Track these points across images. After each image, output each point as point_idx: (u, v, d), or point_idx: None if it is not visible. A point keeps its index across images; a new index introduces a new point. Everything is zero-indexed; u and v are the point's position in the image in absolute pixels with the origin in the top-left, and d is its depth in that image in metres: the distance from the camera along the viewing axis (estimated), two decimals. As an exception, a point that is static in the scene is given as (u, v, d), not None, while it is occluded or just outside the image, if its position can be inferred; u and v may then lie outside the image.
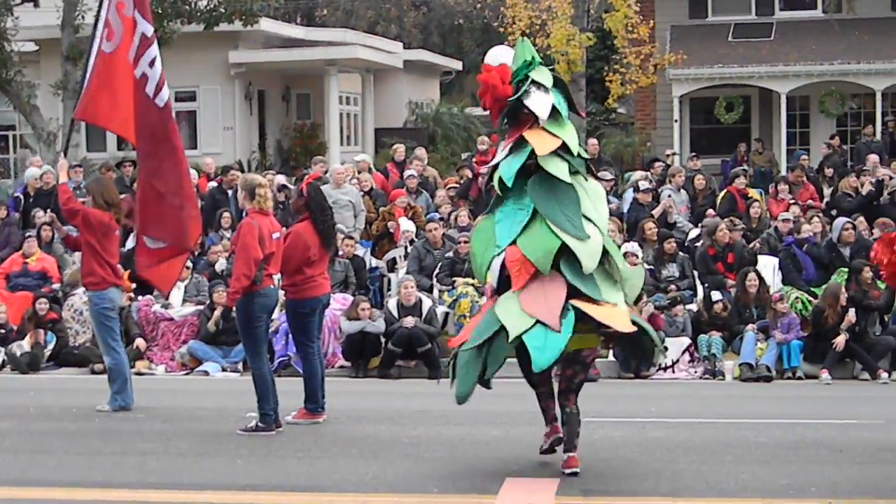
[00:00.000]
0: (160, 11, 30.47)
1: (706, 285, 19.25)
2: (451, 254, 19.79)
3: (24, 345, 18.44)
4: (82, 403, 14.06)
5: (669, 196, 22.22)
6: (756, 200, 22.58)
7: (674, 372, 17.92)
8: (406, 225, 21.23)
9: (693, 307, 18.91)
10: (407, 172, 23.76)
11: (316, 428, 12.85)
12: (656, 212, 21.53)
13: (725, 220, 20.42)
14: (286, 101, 39.98)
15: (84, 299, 18.85)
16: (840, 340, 17.54)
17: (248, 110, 36.86)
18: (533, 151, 10.61)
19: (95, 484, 10.32)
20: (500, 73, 10.87)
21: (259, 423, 12.57)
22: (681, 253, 19.92)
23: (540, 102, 10.76)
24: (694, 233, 21.46)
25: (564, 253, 10.36)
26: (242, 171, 30.16)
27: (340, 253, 19.62)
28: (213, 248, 20.43)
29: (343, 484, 10.25)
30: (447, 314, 19.01)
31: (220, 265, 19.94)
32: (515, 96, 10.75)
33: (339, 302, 18.68)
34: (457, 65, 48.21)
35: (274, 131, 38.75)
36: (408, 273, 19.66)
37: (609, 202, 22.15)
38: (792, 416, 14.17)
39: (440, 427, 13.16)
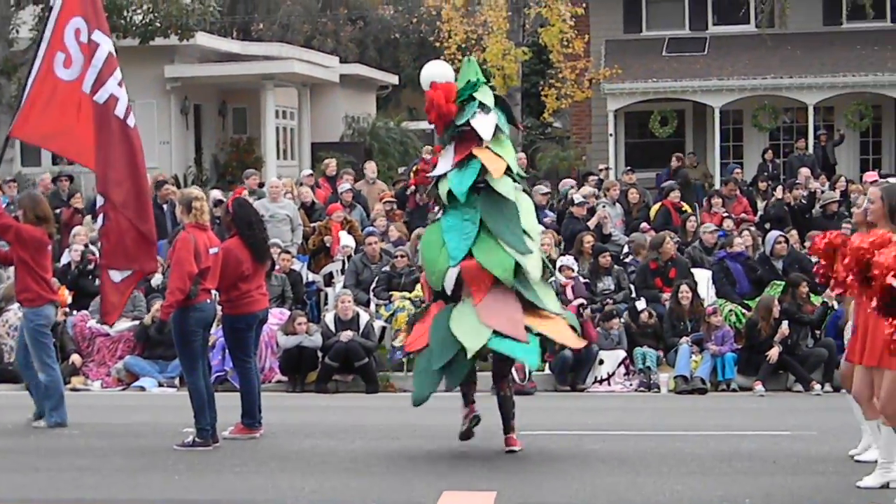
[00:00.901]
0: (95, 25, 30.31)
1: (642, 299, 19.35)
2: (388, 268, 19.83)
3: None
4: (16, 419, 13.96)
5: (604, 207, 22.35)
6: (692, 214, 22.78)
7: (609, 385, 18.04)
8: (345, 240, 21.23)
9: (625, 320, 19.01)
10: (342, 186, 23.74)
11: (253, 443, 12.83)
12: (591, 223, 21.67)
13: (663, 232, 20.54)
14: (222, 116, 39.90)
15: (19, 315, 18.74)
16: (774, 353, 17.71)
17: (185, 125, 36.76)
18: (483, 169, 11.64)
19: (31, 501, 10.27)
20: (445, 92, 11.81)
21: (196, 438, 12.53)
22: (616, 266, 20.03)
23: (484, 124, 11.77)
24: (627, 248, 21.55)
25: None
26: (178, 186, 30.11)
27: (277, 267, 19.59)
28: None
29: (281, 498, 10.25)
30: (384, 328, 19.05)
31: (156, 280, 19.83)
32: (464, 119, 11.74)
33: (276, 317, 18.65)
34: (393, 79, 48.27)
35: (210, 146, 38.65)
36: (345, 287, 19.67)
37: (545, 215, 22.52)
38: (726, 427, 14.28)
39: (377, 441, 13.18)
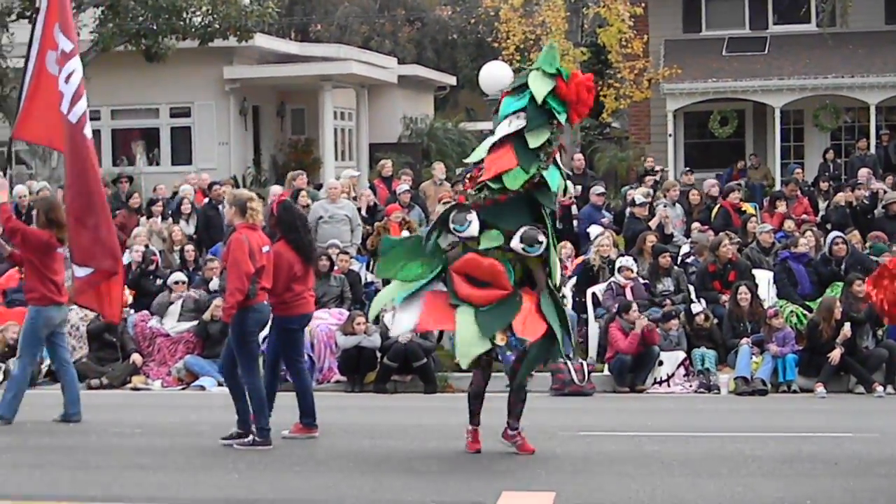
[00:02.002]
0: (155, 28, 30.60)
1: (699, 301, 19.23)
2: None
3: (11, 365, 18.41)
4: (82, 418, 14.07)
5: (665, 206, 22.24)
6: (753, 215, 22.63)
7: (669, 386, 17.95)
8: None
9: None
10: (400, 187, 23.77)
11: (312, 442, 12.87)
12: (653, 223, 21.59)
13: (721, 234, 20.43)
14: (281, 117, 40.06)
15: (80, 315, 18.93)
16: (836, 354, 17.56)
17: (243, 126, 36.94)
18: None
19: (93, 499, 10.34)
20: None
21: (256, 438, 12.58)
22: (676, 267, 19.94)
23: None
24: (685, 248, 21.45)
25: None
26: (237, 187, 30.24)
27: (336, 268, 19.65)
28: (210, 265, 20.38)
29: (341, 498, 10.28)
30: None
31: (214, 284, 19.90)
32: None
33: (335, 317, 18.72)
34: (451, 80, 48.29)
35: (269, 146, 38.82)
36: (403, 288, 19.64)
37: (602, 216, 22.47)
38: (787, 429, 14.18)
39: (436, 441, 13.17)
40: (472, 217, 11.41)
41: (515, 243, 11.41)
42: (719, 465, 11.74)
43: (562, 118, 11.87)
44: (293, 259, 12.86)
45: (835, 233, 20.46)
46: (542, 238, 11.38)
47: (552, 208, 11.83)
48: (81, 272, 13.98)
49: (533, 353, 11.60)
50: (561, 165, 11.96)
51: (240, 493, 10.53)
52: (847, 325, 17.68)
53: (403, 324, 11.79)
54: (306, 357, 17.99)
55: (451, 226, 11.48)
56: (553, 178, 11.63)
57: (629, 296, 18.66)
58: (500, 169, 11.56)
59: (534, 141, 11.63)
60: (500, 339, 11.32)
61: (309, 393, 13.24)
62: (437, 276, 11.58)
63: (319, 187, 24.09)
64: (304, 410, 13.22)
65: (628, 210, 22.65)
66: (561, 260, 19.67)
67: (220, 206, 23.13)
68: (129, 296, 19.68)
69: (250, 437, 12.63)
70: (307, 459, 11.96)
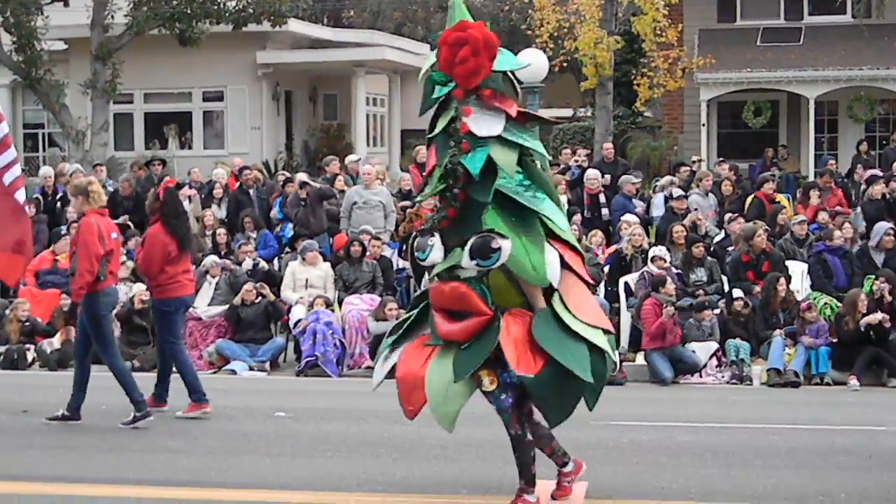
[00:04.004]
0: (189, 12, 30.66)
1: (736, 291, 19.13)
2: (478, 255, 19.71)
3: (55, 342, 18.50)
4: (111, 401, 14.07)
5: (696, 210, 22.09)
6: (784, 206, 22.51)
7: (701, 376, 17.86)
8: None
9: (718, 312, 18.82)
10: (434, 174, 23.69)
11: (344, 427, 12.88)
12: (686, 220, 21.46)
13: (755, 223, 20.30)
14: (313, 102, 40.10)
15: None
16: (874, 318, 17.39)
17: (276, 111, 36.99)
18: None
19: (125, 481, 10.36)
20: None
21: (136, 414, 12.93)
22: (709, 257, 19.84)
23: (530, 75, 9.49)
24: (719, 237, 21.37)
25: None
26: (269, 172, 30.30)
27: (368, 254, 19.66)
28: (243, 247, 20.41)
29: (372, 484, 10.27)
30: (473, 314, 18.93)
31: (247, 265, 19.95)
32: (506, 67, 9.11)
33: (367, 303, 18.71)
34: (484, 67, 48.14)
35: (301, 132, 38.87)
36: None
37: (634, 206, 22.38)
38: (821, 421, 14.11)
39: (468, 428, 13.06)
40: (434, 241, 9.05)
41: (466, 261, 8.91)
42: (752, 456, 11.69)
43: (445, 90, 9.08)
44: (167, 241, 13.34)
45: (885, 224, 20.23)
46: (497, 244, 8.79)
47: (516, 198, 9.06)
48: None
49: (539, 392, 9.05)
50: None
51: (270, 478, 10.53)
52: (879, 314, 17.52)
53: (376, 378, 9.92)
54: (337, 342, 18.05)
55: (416, 255, 9.23)
56: (473, 161, 8.86)
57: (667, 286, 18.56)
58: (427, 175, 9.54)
59: (437, 128, 9.18)
60: (490, 383, 9.12)
61: (188, 372, 13.68)
62: (423, 315, 9.51)
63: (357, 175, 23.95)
64: (190, 389, 13.58)
65: (663, 201, 22.56)
66: (589, 248, 19.74)
67: (250, 191, 23.22)
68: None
69: (132, 415, 12.92)
70: (339, 445, 11.95)
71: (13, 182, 13.68)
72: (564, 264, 9.11)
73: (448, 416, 9.10)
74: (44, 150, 39.24)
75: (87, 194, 12.96)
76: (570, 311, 9.00)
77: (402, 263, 21.11)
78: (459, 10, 9.13)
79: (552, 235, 9.07)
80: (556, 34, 32.12)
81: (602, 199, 22.56)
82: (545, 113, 22.45)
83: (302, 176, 22.95)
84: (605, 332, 9.16)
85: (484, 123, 8.88)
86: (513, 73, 9.21)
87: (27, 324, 18.81)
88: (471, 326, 8.96)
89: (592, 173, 23.09)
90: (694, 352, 17.77)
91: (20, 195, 13.75)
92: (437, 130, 9.08)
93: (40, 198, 23.24)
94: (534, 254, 8.90)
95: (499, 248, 8.79)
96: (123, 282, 19.48)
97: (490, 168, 8.82)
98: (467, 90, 8.92)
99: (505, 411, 9.17)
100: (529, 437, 9.42)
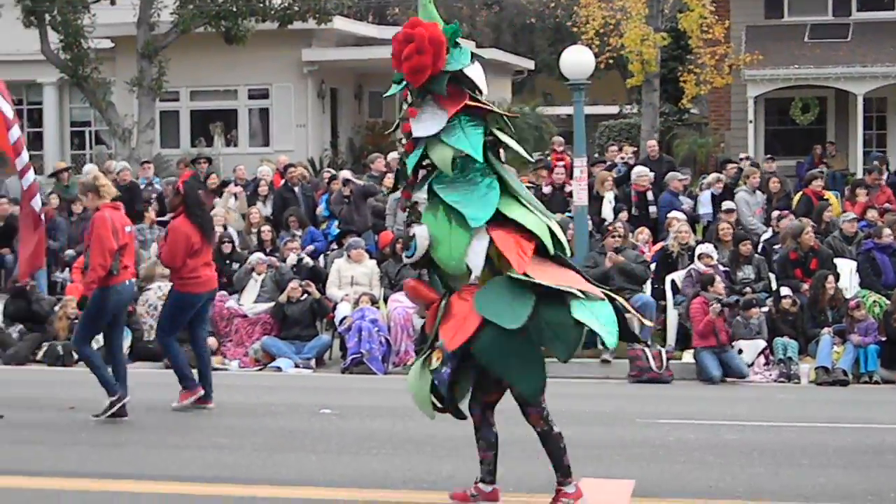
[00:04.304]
0: (234, 9, 30.76)
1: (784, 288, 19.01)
2: (524, 253, 19.66)
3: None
4: (157, 397, 14.13)
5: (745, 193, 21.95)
6: (830, 204, 22.37)
7: (748, 375, 17.74)
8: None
9: (766, 310, 18.70)
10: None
11: (389, 425, 12.84)
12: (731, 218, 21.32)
13: (803, 221, 20.16)
14: (358, 99, 40.12)
15: (159, 294, 19.00)
16: None
17: (321, 108, 37.03)
18: (487, 128, 8.98)
19: (172, 477, 10.37)
20: (437, 32, 8.95)
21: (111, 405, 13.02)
22: (756, 255, 19.72)
23: (480, 76, 9.15)
24: (766, 234, 21.25)
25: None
26: (314, 169, 30.36)
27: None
28: (289, 244, 20.45)
29: (417, 482, 10.24)
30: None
31: (291, 260, 19.99)
32: (457, 67, 8.97)
33: (413, 299, 18.68)
34: (529, 64, 48.12)
35: (346, 129, 38.89)
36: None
37: (682, 203, 22.27)
38: (869, 420, 13.98)
39: (514, 426, 13.00)
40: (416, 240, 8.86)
41: (404, 256, 9.12)
42: (800, 455, 11.59)
43: (397, 89, 9.18)
44: (191, 232, 13.40)
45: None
46: (411, 232, 8.82)
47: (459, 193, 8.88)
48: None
49: (484, 359, 8.84)
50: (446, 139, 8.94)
51: (316, 475, 10.52)
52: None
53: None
54: (382, 340, 18.04)
55: (404, 255, 9.15)
56: (410, 160, 9.03)
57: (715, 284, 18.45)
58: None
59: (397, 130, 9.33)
60: (436, 358, 8.94)
61: (179, 364, 13.74)
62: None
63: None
64: (181, 378, 13.73)
65: (709, 198, 22.46)
66: (636, 245, 19.67)
67: (295, 189, 23.27)
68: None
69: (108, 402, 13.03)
70: (385, 442, 11.92)
71: (30, 187, 13.74)
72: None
73: (422, 400, 9.20)
74: (90, 147, 39.45)
75: (97, 189, 13.00)
76: (528, 276, 8.68)
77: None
78: (424, 10, 9.16)
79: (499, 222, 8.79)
80: (601, 31, 32.05)
81: (650, 196, 22.46)
82: (590, 110, 22.33)
83: (346, 173, 22.98)
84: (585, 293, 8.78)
85: (423, 124, 8.92)
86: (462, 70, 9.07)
87: (76, 321, 18.87)
88: (430, 315, 9.12)
89: (642, 170, 23.00)
90: (741, 351, 17.65)
91: (36, 203, 13.81)
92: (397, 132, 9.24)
93: (87, 195, 23.29)
94: (456, 241, 8.78)
95: (413, 236, 8.82)
96: (167, 278, 19.54)
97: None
98: (415, 90, 8.99)
99: (442, 384, 8.97)
100: (556, 429, 9.33)
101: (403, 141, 9.14)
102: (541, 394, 9.09)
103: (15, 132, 13.66)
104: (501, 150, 9.17)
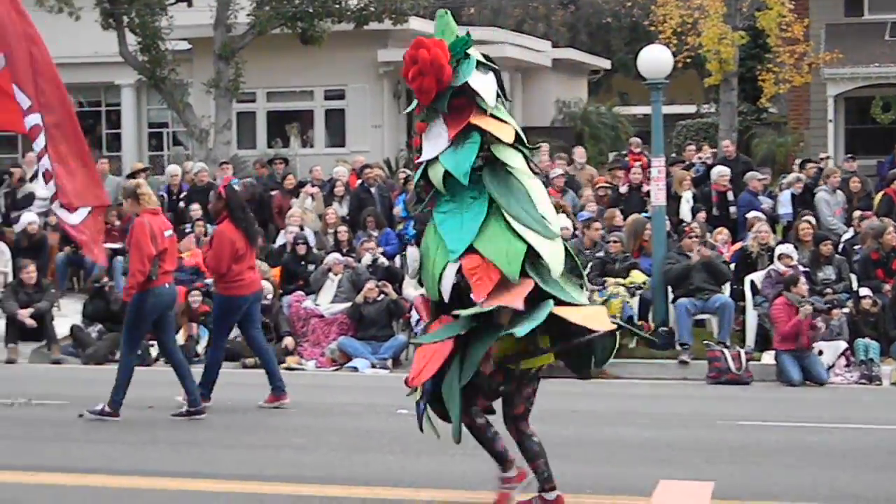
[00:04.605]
0: (311, 11, 30.82)
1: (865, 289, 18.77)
2: (602, 254, 19.60)
3: (179, 338, 18.66)
4: (234, 397, 14.18)
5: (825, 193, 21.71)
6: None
7: (829, 376, 17.54)
8: (564, 222, 21.08)
9: (846, 311, 18.49)
10: (554, 171, 23.66)
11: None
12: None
13: (885, 221, 19.91)
14: (434, 100, 40.06)
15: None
16: None
17: (397, 109, 37.02)
18: (484, 143, 8.83)
19: (249, 477, 10.39)
20: (443, 51, 8.94)
21: (106, 408, 13.07)
22: (837, 255, 19.49)
23: (486, 85, 9.02)
24: (847, 235, 21.01)
25: (528, 256, 8.62)
26: (390, 170, 30.39)
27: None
28: (365, 245, 20.47)
29: (495, 482, 10.16)
30: (597, 314, 18.77)
31: (366, 260, 20.02)
32: (461, 81, 8.92)
33: (489, 300, 18.61)
34: (605, 64, 47.96)
35: (422, 130, 38.84)
36: (559, 272, 19.44)
37: (761, 203, 22.06)
38: (953, 422, 13.80)
39: (591, 427, 13.05)
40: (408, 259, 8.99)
41: None
42: (885, 458, 11.47)
43: (415, 104, 9.29)
44: (236, 237, 13.54)
45: None
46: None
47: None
48: (77, 217, 13.33)
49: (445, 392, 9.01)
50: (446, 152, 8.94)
51: (394, 475, 10.51)
52: None
53: None
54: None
55: None
56: (416, 178, 9.23)
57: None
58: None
59: None
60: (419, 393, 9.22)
61: (216, 368, 13.94)
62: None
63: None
64: (202, 382, 13.77)
65: (789, 198, 22.25)
66: (714, 245, 19.50)
67: (372, 189, 23.31)
68: (274, 278, 19.93)
69: (101, 405, 13.09)
70: (462, 443, 11.83)
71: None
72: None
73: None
74: (168, 149, 39.71)
75: (137, 196, 13.18)
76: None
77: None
78: (440, 20, 9.25)
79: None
80: (679, 30, 31.85)
81: (730, 196, 22.28)
82: (667, 109, 22.16)
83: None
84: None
85: (427, 145, 9.00)
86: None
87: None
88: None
89: (723, 170, 22.82)
90: (821, 352, 17.43)
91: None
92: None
93: (165, 196, 23.48)
94: (436, 265, 8.76)
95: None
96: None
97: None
98: (425, 106, 9.03)
99: (421, 415, 9.49)
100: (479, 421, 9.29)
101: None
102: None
103: (32, 119, 13.61)
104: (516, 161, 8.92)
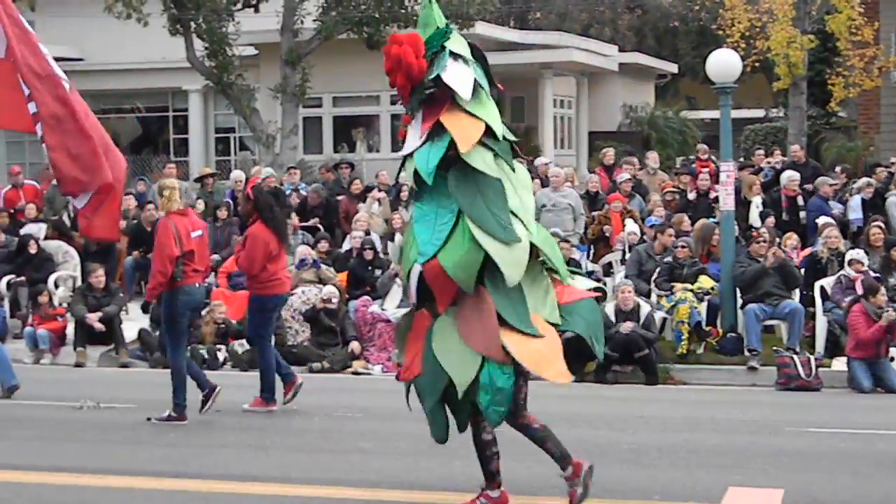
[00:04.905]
0: (377, 16, 30.89)
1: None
2: (669, 258, 19.49)
3: (245, 343, 18.74)
4: (301, 401, 14.19)
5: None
6: None
7: (901, 382, 17.34)
8: (631, 226, 21.02)
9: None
10: (621, 176, 23.57)
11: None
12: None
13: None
14: (500, 105, 40.03)
15: (303, 298, 19.16)
16: None
17: (463, 113, 37.00)
18: (453, 141, 8.89)
19: (317, 481, 10.40)
20: (414, 45, 8.94)
21: (172, 413, 13.19)
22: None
23: (461, 78, 9.03)
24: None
25: (490, 262, 8.81)
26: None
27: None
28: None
29: (563, 487, 10.10)
30: (665, 320, 18.72)
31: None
32: (433, 74, 8.97)
33: (556, 305, 18.55)
34: (672, 68, 47.81)
35: (488, 134, 38.82)
36: (626, 277, 19.42)
37: (832, 208, 21.86)
38: None
39: (659, 433, 12.95)
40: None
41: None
42: (958, 466, 11.28)
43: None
44: (269, 238, 13.70)
45: None
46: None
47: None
48: (81, 201, 13.82)
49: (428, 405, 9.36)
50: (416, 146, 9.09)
51: (461, 481, 10.46)
52: None
53: None
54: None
55: None
56: (397, 173, 9.95)
57: (859, 290, 18.04)
58: None
59: None
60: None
61: (271, 370, 13.94)
62: None
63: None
64: (264, 386, 13.93)
65: (859, 203, 22.03)
66: (785, 244, 19.31)
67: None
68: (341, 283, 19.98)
69: (167, 412, 13.22)
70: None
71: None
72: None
73: (466, 383, 8.97)
74: (235, 153, 39.95)
75: (161, 196, 13.47)
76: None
77: (591, 266, 20.98)
78: (423, 12, 9.23)
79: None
80: (747, 34, 31.68)
81: (800, 201, 22.09)
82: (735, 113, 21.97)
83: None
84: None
85: (408, 138, 9.15)
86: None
87: (222, 325, 19.10)
88: None
89: (793, 175, 22.63)
90: (893, 358, 17.20)
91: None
92: None
93: (230, 201, 23.59)
94: (406, 263, 9.08)
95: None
96: (310, 284, 19.69)
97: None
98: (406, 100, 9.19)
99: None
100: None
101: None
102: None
103: (32, 107, 13.71)
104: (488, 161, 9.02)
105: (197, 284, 13.44)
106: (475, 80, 9.07)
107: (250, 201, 14.14)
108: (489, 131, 9.06)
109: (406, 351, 9.29)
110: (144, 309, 13.76)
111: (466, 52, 9.15)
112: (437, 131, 8.95)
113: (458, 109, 8.98)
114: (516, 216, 8.93)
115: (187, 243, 13.11)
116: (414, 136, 9.09)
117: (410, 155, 9.03)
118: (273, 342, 14.63)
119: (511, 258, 8.79)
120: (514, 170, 9.16)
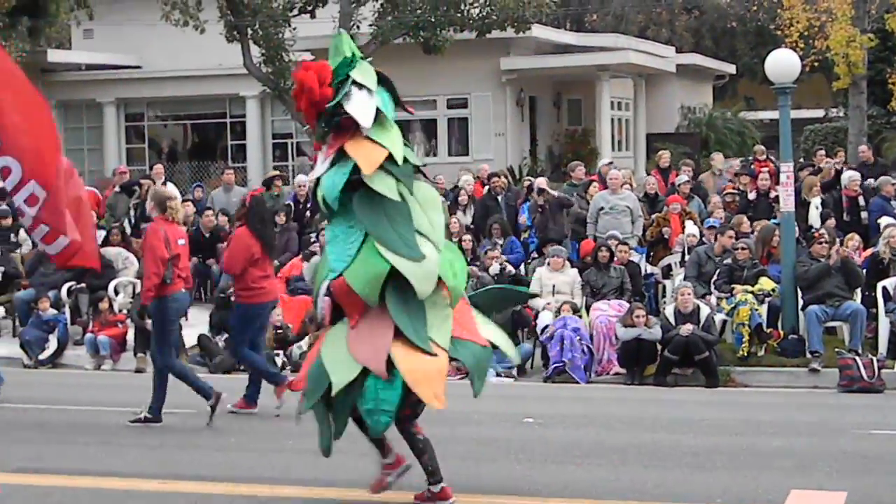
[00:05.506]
0: (433, 20, 30.92)
1: None
2: (729, 260, 19.36)
3: (304, 346, 18.77)
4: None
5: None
6: None
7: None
8: (691, 228, 20.90)
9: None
10: (679, 178, 23.45)
11: (594, 434, 12.73)
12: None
13: None
14: (557, 107, 40.04)
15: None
16: None
17: (520, 117, 37.04)
18: (356, 166, 9.30)
19: (318, 482, 10.48)
20: (319, 73, 9.48)
21: (146, 415, 13.53)
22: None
23: (362, 108, 9.52)
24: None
25: (393, 279, 9.16)
26: (514, 178, 30.32)
27: (615, 259, 19.47)
28: (490, 253, 20.41)
29: (624, 492, 10.08)
30: (725, 322, 18.60)
31: (494, 269, 19.94)
32: (335, 101, 9.46)
33: (615, 308, 18.50)
34: (730, 69, 47.55)
35: (545, 137, 38.83)
36: (685, 279, 19.32)
37: (894, 207, 21.63)
38: None
39: (720, 436, 12.87)
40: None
41: None
42: None
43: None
44: (252, 243, 13.93)
45: None
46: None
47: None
48: (34, 209, 13.60)
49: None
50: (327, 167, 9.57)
51: (521, 484, 10.46)
52: None
53: None
54: (585, 348, 17.87)
55: None
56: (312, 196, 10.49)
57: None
58: None
59: None
60: None
61: (258, 370, 14.32)
62: None
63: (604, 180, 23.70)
64: (254, 385, 14.37)
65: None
66: (846, 245, 19.14)
67: (498, 198, 23.25)
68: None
69: (142, 414, 13.57)
70: (589, 451, 11.79)
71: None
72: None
73: (342, 383, 9.26)
74: (292, 159, 40.08)
75: (164, 207, 13.54)
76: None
77: (650, 269, 20.87)
78: (333, 42, 9.93)
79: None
80: (806, 33, 31.49)
81: (861, 201, 21.89)
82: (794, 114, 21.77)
83: (541, 182, 22.75)
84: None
85: (318, 164, 9.64)
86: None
87: (280, 331, 19.14)
88: None
89: (854, 175, 22.43)
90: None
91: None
92: None
93: (291, 205, 23.64)
94: (318, 280, 9.51)
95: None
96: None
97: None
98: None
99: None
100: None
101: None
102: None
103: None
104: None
105: (182, 290, 13.71)
106: (377, 107, 9.56)
107: (244, 207, 14.45)
108: (391, 156, 9.43)
109: (304, 363, 9.77)
110: (140, 315, 13.88)
111: (371, 81, 9.70)
112: (341, 157, 9.42)
113: (362, 137, 9.48)
114: (424, 236, 9.34)
115: (174, 248, 13.36)
116: (322, 161, 9.58)
117: (318, 180, 9.52)
118: (263, 346, 14.97)
119: (422, 273, 9.19)
120: (412, 192, 9.49)
